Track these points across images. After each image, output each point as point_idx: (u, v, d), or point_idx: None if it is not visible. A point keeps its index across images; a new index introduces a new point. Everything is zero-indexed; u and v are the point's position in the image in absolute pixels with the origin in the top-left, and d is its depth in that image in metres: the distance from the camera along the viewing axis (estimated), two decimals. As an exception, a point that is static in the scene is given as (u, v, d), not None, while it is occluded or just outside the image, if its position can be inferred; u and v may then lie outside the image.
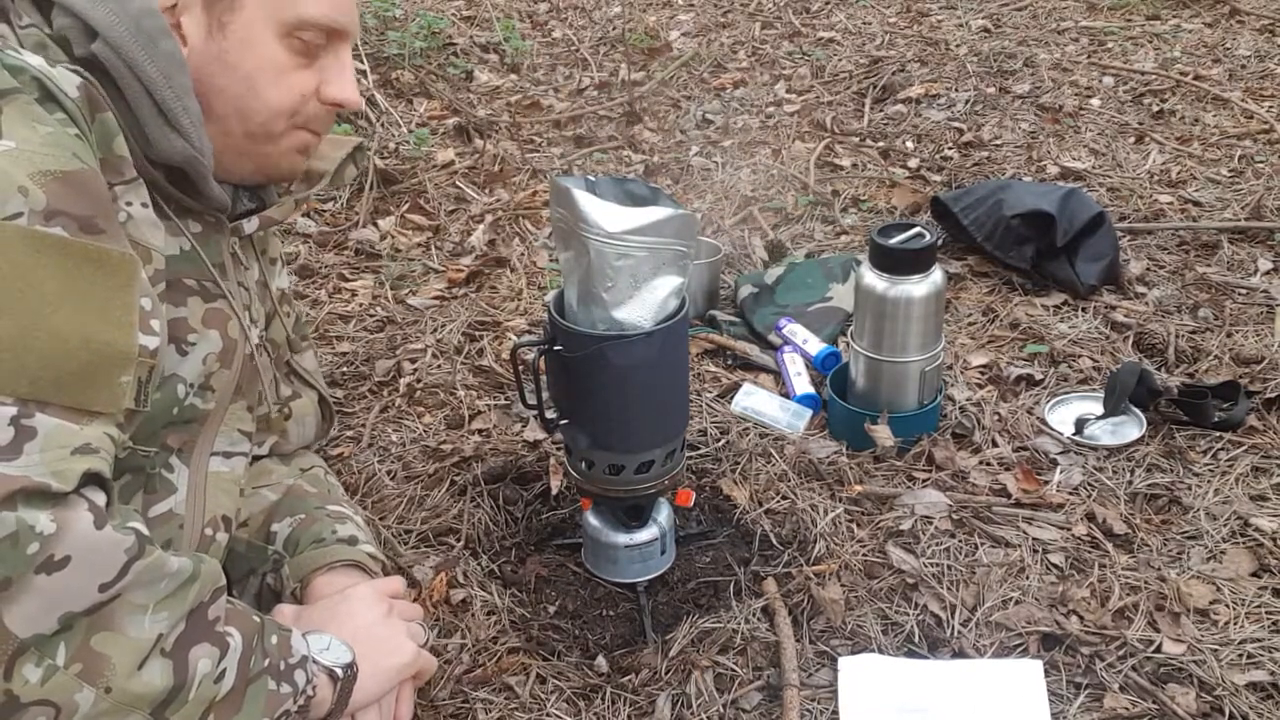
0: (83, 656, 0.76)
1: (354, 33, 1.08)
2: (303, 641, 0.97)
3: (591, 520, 1.36)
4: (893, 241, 1.59)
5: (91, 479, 0.79)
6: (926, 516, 1.46)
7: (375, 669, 1.06)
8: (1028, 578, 1.36)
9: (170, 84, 0.93)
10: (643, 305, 1.19)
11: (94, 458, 0.79)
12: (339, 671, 1.00)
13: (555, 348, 1.22)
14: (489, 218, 2.47)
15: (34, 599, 0.73)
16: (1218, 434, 1.61)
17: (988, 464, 1.58)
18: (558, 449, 1.62)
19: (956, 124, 2.87)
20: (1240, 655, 1.23)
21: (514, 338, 1.95)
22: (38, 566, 0.73)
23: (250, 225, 1.13)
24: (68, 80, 0.87)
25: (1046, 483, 1.54)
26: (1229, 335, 1.87)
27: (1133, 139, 2.72)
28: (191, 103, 0.96)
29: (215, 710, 0.85)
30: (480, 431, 1.71)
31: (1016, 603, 1.32)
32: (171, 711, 0.81)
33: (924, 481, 1.54)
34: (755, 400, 1.74)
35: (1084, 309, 1.98)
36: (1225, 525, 1.43)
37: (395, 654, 1.09)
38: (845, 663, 1.24)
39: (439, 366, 1.89)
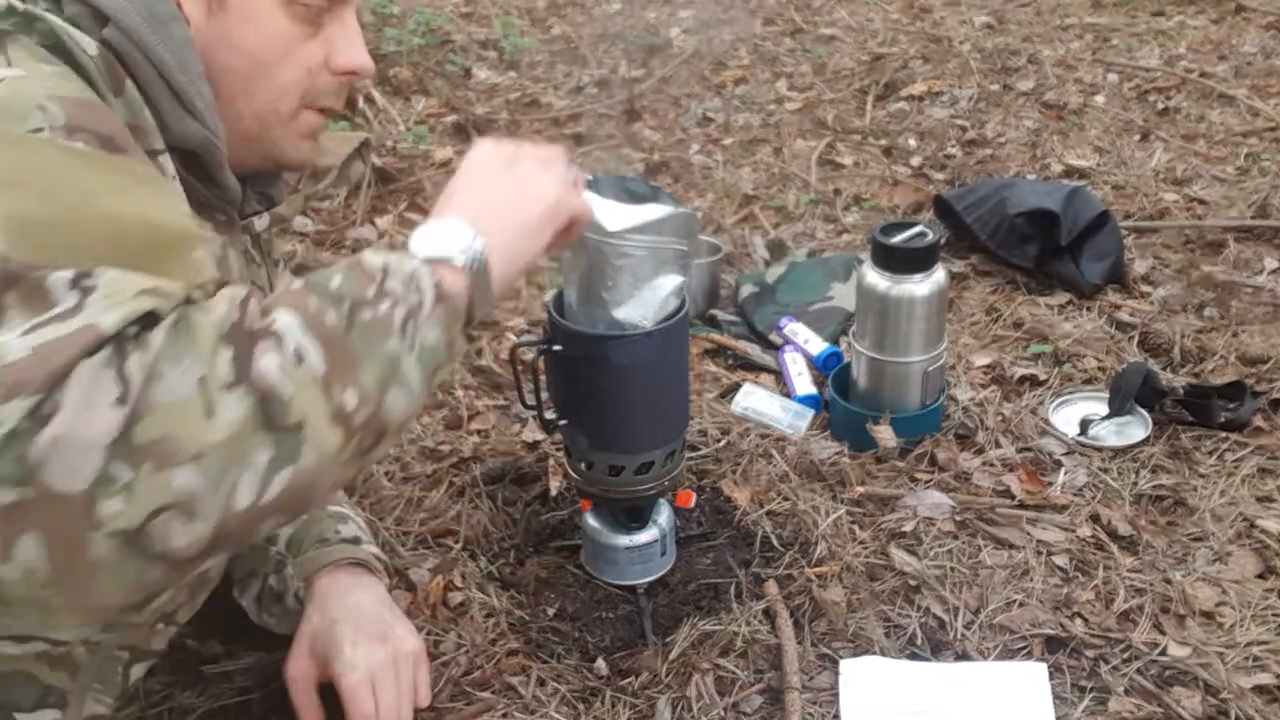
0: (144, 454, 0.67)
1: None
2: (378, 258, 0.85)
3: (591, 522, 1.35)
4: (895, 240, 1.58)
5: (143, 318, 0.70)
6: (929, 518, 1.45)
7: (518, 227, 0.93)
8: (1031, 580, 1.34)
9: (183, 68, 0.92)
10: (643, 305, 1.18)
11: (159, 299, 0.71)
12: (458, 259, 0.87)
13: (555, 348, 1.21)
14: (489, 216, 2.45)
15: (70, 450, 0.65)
16: (1224, 435, 1.60)
17: (991, 465, 1.57)
18: (557, 450, 1.61)
19: (959, 121, 2.86)
20: (1246, 658, 1.22)
21: (513, 337, 1.94)
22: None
23: (261, 222, 1.11)
24: (88, 42, 0.87)
25: (1050, 484, 1.53)
26: (1235, 335, 1.85)
27: (1137, 137, 2.70)
28: (204, 86, 0.94)
29: (327, 382, 0.74)
30: (479, 432, 1.70)
31: (1020, 605, 1.31)
32: (285, 416, 0.71)
33: (926, 483, 1.53)
34: (756, 400, 1.72)
35: (1088, 308, 1.97)
36: (1231, 527, 1.42)
37: (538, 201, 0.96)
38: (847, 665, 1.23)
39: (438, 366, 1.87)
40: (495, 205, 0.93)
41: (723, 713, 1.18)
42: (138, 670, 1.05)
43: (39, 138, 0.76)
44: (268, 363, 0.72)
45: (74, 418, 0.65)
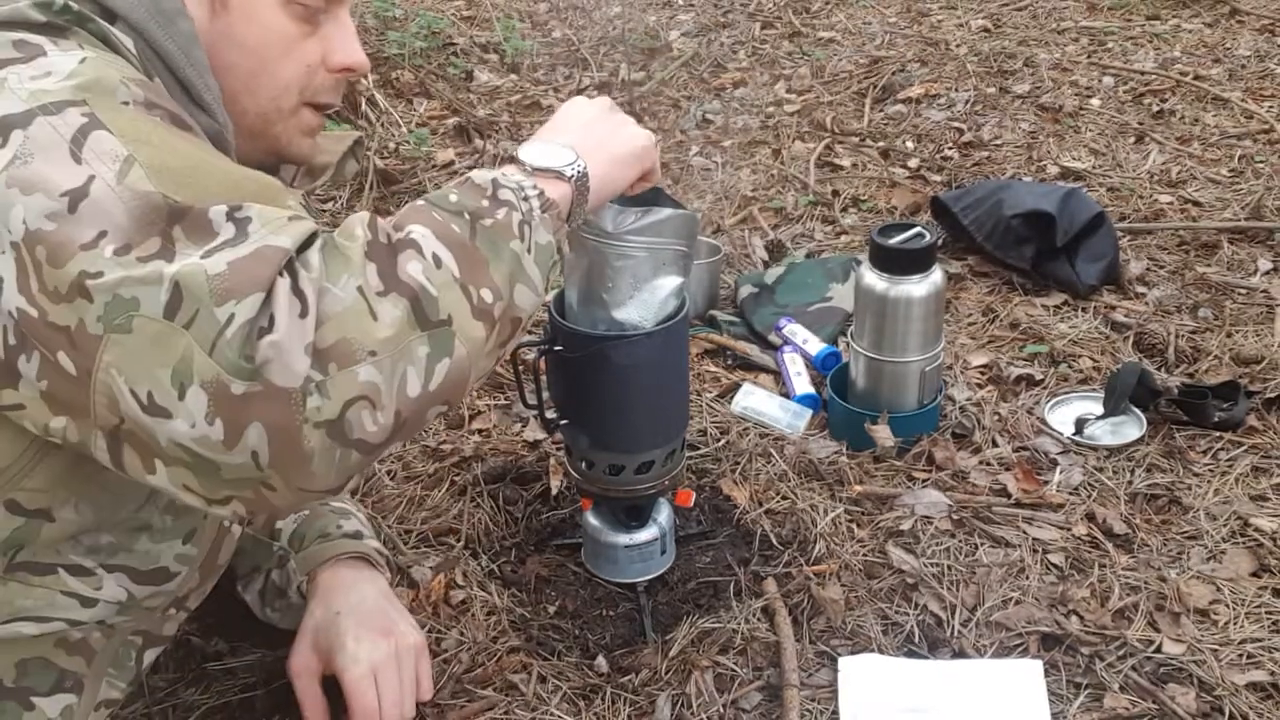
0: (328, 357, 0.76)
1: None
2: (486, 173, 0.93)
3: (591, 520, 1.36)
4: (893, 241, 1.59)
5: (306, 239, 0.79)
6: (926, 516, 1.46)
7: (611, 158, 1.03)
8: (1028, 578, 1.36)
9: (191, 62, 0.94)
10: (643, 305, 1.19)
11: (310, 223, 0.80)
12: (565, 170, 0.97)
13: (555, 348, 1.23)
14: (489, 218, 2.46)
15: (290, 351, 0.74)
16: (1218, 434, 1.61)
17: (988, 464, 1.58)
18: (558, 449, 1.62)
19: (956, 124, 2.87)
20: (1240, 655, 1.23)
21: (514, 338, 1.95)
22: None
23: None
24: (129, 39, 0.92)
25: (1046, 483, 1.54)
26: (1229, 335, 1.87)
27: (1133, 139, 2.72)
28: (211, 80, 0.96)
29: (464, 282, 0.83)
30: (480, 431, 1.71)
31: (1016, 603, 1.32)
32: (435, 313, 0.81)
33: (924, 481, 1.54)
34: (755, 400, 1.74)
35: (1084, 309, 1.98)
36: (1225, 525, 1.43)
37: (630, 140, 1.06)
38: (845, 663, 1.24)
39: (439, 366, 1.88)
40: (591, 138, 1.03)
41: (722, 709, 1.19)
42: (149, 656, 1.07)
43: (131, 109, 0.82)
44: (413, 268, 0.81)
45: (285, 323, 0.74)
